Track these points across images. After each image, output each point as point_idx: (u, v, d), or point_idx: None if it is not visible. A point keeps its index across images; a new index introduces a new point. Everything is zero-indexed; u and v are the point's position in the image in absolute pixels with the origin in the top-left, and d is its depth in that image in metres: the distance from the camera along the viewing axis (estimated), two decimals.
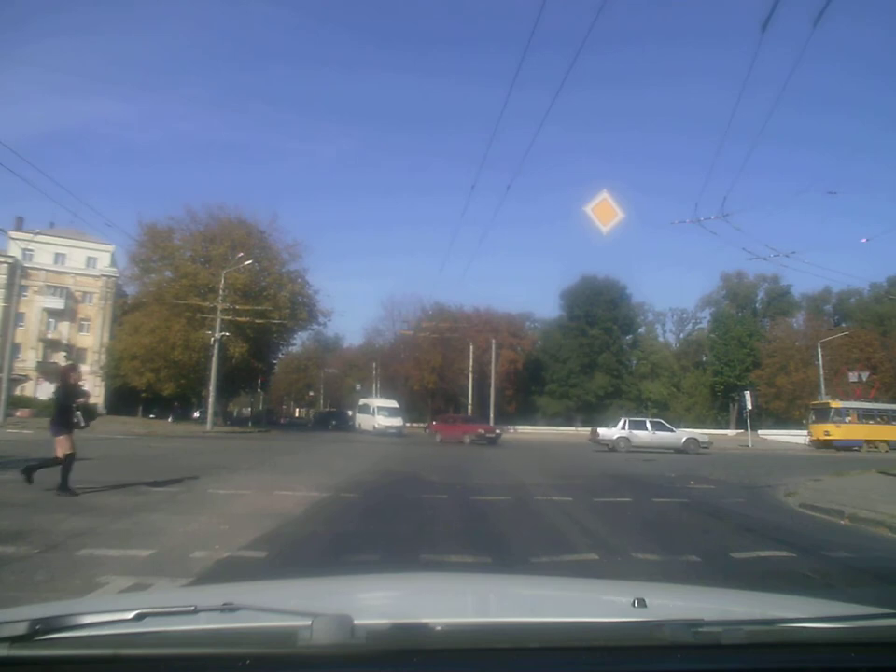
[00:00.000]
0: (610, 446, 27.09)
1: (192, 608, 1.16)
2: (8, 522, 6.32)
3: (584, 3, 10.23)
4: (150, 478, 9.95)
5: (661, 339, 79.58)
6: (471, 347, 51.26)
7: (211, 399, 36.70)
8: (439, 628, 1.14)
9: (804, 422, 44.05)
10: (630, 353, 70.80)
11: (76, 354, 42.71)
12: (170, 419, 45.72)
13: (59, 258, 55.96)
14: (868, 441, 35.35)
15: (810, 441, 38.39)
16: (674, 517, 8.66)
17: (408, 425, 45.91)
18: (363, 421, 44.34)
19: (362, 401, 48.57)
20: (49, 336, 55.11)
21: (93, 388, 54.07)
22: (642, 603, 1.38)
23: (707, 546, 6.48)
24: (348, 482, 11.14)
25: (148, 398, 47.64)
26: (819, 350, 44.26)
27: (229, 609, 1.18)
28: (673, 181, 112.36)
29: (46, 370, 53.40)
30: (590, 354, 63.74)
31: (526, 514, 8.40)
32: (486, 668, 1.12)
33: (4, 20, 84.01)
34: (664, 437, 28.04)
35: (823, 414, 37.51)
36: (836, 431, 35.88)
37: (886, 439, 35.68)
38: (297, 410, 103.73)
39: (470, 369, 51.16)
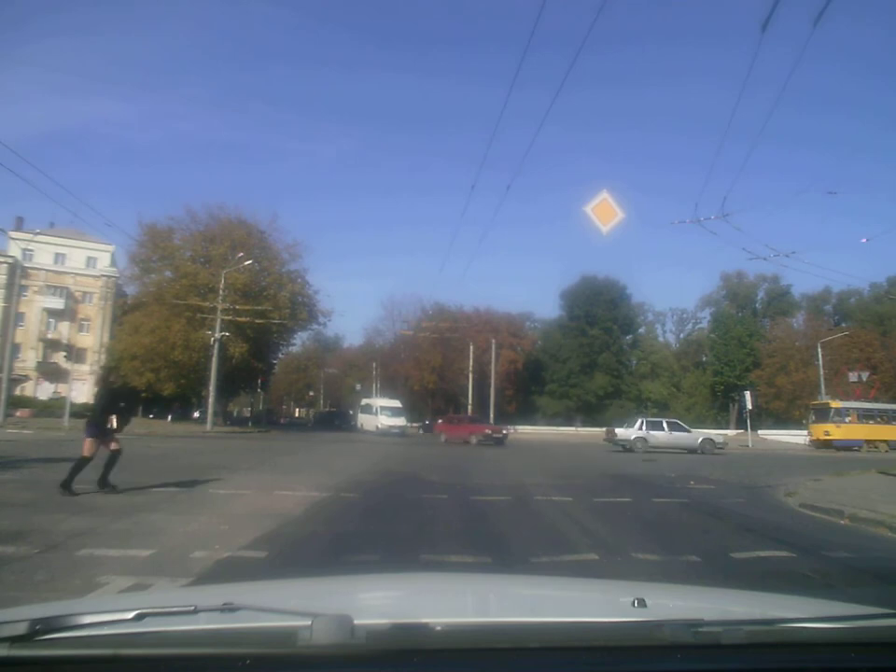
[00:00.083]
0: (628, 446, 27.07)
1: (192, 608, 1.16)
2: (8, 522, 6.31)
3: (584, 3, 10.24)
4: (150, 478, 9.95)
5: (661, 339, 79.63)
6: (471, 347, 51.26)
7: (211, 399, 36.70)
8: (439, 628, 1.14)
9: (804, 422, 44.06)
10: (630, 353, 70.80)
11: (76, 354, 42.60)
12: (169, 419, 45.71)
13: (59, 258, 56.01)
14: (868, 441, 35.36)
15: (810, 441, 38.40)
16: (674, 517, 8.66)
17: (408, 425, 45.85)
18: (365, 421, 44.16)
19: (364, 401, 48.39)
20: (49, 336, 55.13)
21: (93, 388, 54.19)
22: (642, 603, 1.38)
23: (707, 546, 6.48)
24: (348, 482, 11.14)
25: (148, 398, 47.60)
26: (819, 350, 44.26)
27: (229, 609, 1.18)
28: (673, 181, 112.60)
29: (46, 370, 53.50)
30: (590, 354, 63.73)
31: (526, 514, 8.40)
32: (486, 668, 1.12)
33: (4, 20, 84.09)
34: (680, 437, 28.11)
35: (823, 414, 37.51)
36: (836, 431, 35.89)
37: (886, 439, 35.69)
38: (297, 410, 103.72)
39: (470, 369, 51.16)
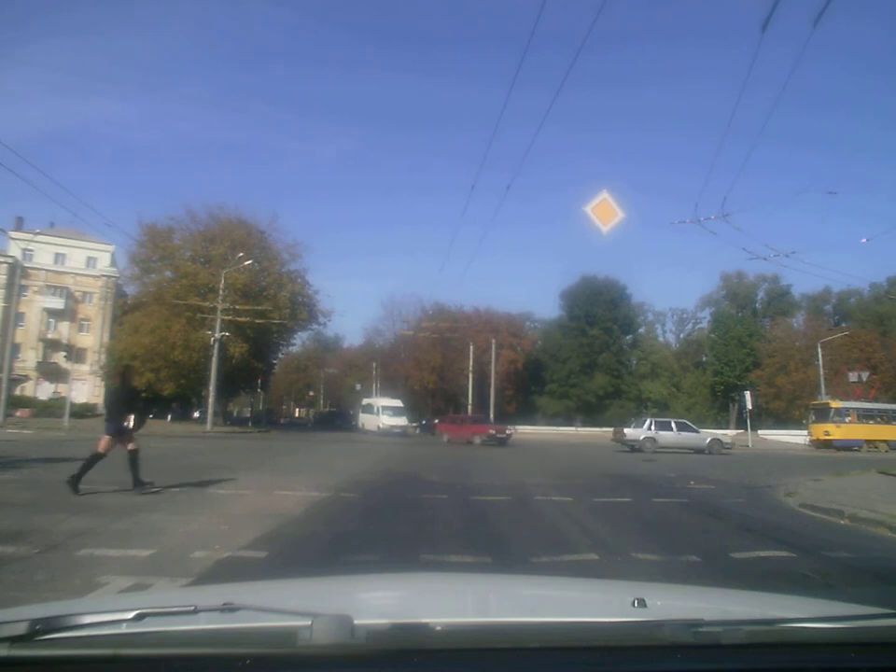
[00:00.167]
0: (637, 447, 27.10)
1: (192, 608, 1.16)
2: (8, 522, 6.31)
3: (584, 3, 10.24)
4: (150, 478, 9.94)
5: (661, 339, 79.64)
6: (471, 347, 51.24)
7: (211, 399, 36.71)
8: (439, 628, 1.14)
9: (804, 422, 44.07)
10: (630, 353, 70.79)
11: (76, 354, 42.60)
12: (168, 419, 45.67)
13: (59, 258, 55.99)
14: (868, 441, 35.36)
15: (810, 441, 38.41)
16: (674, 517, 8.66)
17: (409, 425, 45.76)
18: (366, 421, 43.91)
19: (365, 401, 48.13)
20: (49, 336, 55.10)
21: (93, 388, 54.20)
22: (642, 603, 1.38)
23: (707, 546, 6.48)
24: (348, 482, 11.14)
25: (148, 398, 47.63)
26: (819, 350, 44.27)
27: (229, 609, 1.18)
28: (673, 181, 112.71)
29: (46, 370, 53.49)
30: (590, 354, 63.72)
31: (526, 514, 8.40)
32: (486, 668, 1.12)
33: (4, 20, 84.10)
34: (688, 437, 28.22)
35: (823, 414, 37.52)
36: (836, 431, 35.89)
37: (886, 439, 35.69)
38: (297, 410, 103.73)
39: (470, 369, 51.15)
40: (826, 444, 35.63)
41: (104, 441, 8.68)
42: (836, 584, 5.06)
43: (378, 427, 40.67)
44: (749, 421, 38.27)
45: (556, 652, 1.15)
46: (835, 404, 37.60)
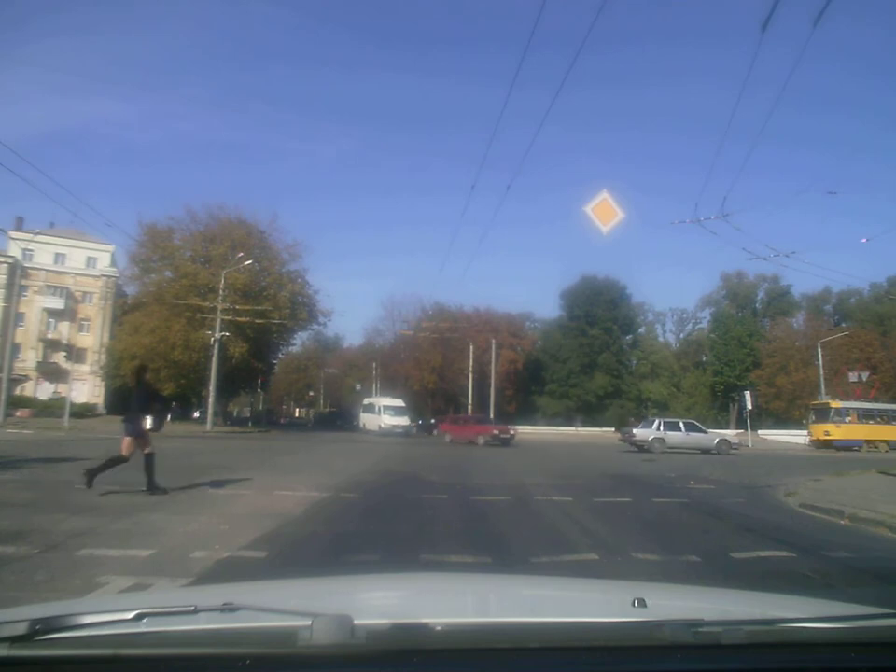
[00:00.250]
0: (646, 447, 27.10)
1: (192, 608, 1.16)
2: (8, 522, 6.31)
3: (584, 3, 10.24)
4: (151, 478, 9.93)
5: (661, 339, 79.67)
6: (471, 347, 51.25)
7: (211, 399, 36.72)
8: (439, 628, 1.14)
9: (804, 422, 44.07)
10: (630, 353, 70.80)
11: (76, 354, 42.60)
12: (168, 418, 45.63)
13: (59, 258, 56.00)
14: (868, 441, 35.37)
15: (810, 441, 38.41)
16: (674, 517, 8.66)
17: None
18: (368, 420, 43.62)
19: (367, 400, 47.84)
20: (49, 336, 55.11)
21: (93, 388, 54.22)
22: (642, 603, 1.38)
23: (707, 546, 6.48)
24: (348, 482, 11.14)
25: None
26: (819, 350, 44.27)
27: (229, 609, 1.18)
28: (673, 181, 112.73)
29: (46, 370, 53.49)
30: (590, 354, 63.73)
31: (526, 514, 8.40)
32: (486, 668, 1.12)
33: (4, 20, 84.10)
34: (697, 438, 28.30)
35: (823, 414, 37.52)
36: (836, 431, 35.89)
37: (886, 439, 35.69)
38: (297, 410, 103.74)
39: (470, 369, 51.16)
40: (826, 444, 35.63)
41: (126, 444, 8.60)
42: (836, 584, 5.06)
43: (380, 426, 40.47)
44: (748, 421, 38.27)
45: (556, 652, 1.15)
46: (835, 404, 37.61)
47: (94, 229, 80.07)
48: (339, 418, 57.63)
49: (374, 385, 61.35)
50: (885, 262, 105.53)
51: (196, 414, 50.06)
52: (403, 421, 41.52)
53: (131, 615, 1.10)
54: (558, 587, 2.26)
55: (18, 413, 38.18)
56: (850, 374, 45.03)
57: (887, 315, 62.57)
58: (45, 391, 52.17)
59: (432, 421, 46.60)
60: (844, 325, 61.18)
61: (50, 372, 52.90)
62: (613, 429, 53.09)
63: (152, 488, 8.52)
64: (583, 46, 13.59)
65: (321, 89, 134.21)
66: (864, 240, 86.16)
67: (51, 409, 40.53)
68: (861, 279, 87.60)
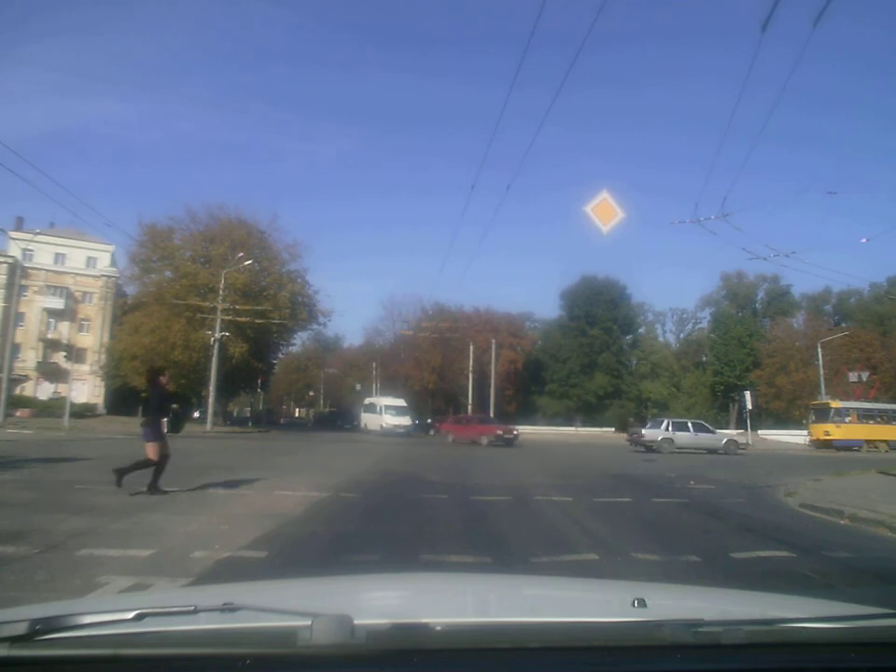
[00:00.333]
0: (655, 447, 27.15)
1: (192, 608, 1.16)
2: (8, 522, 6.31)
3: (584, 3, 10.24)
4: (150, 478, 9.94)
5: (661, 339, 79.66)
6: (471, 347, 51.24)
7: (211, 399, 36.72)
8: (439, 628, 1.14)
9: (804, 422, 44.08)
10: (630, 353, 70.79)
11: (76, 354, 42.60)
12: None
13: (59, 258, 55.97)
14: (868, 441, 35.38)
15: (810, 441, 38.41)
16: (674, 517, 8.66)
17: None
18: (369, 420, 43.27)
19: (368, 400, 47.50)
20: (49, 336, 55.09)
21: (93, 388, 54.22)
22: (642, 603, 1.38)
23: (707, 546, 6.48)
24: (348, 482, 11.14)
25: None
26: (819, 350, 44.27)
27: (229, 609, 1.18)
28: (673, 181, 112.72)
29: (46, 370, 53.49)
30: (590, 354, 63.72)
31: (526, 514, 8.40)
32: (486, 668, 1.12)
33: (4, 20, 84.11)
34: (705, 438, 28.46)
35: (823, 414, 37.52)
36: (836, 431, 35.90)
37: (886, 439, 35.70)
38: (297, 410, 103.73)
39: (470, 369, 51.15)
40: (826, 444, 35.64)
41: (150, 449, 8.62)
42: (836, 584, 5.06)
43: (381, 426, 40.22)
44: (748, 421, 38.28)
45: (556, 652, 1.15)
46: (835, 404, 37.61)
47: (94, 229, 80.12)
48: (340, 418, 57.58)
49: (374, 385, 61.34)
50: (885, 262, 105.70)
51: (196, 414, 50.05)
52: (405, 421, 41.25)
53: (131, 615, 1.10)
54: (558, 587, 2.26)
55: (18, 413, 38.17)
56: (850, 374, 45.03)
57: (887, 314, 62.56)
58: (45, 391, 52.16)
59: (429, 421, 46.42)
60: (844, 325, 61.18)
61: (50, 372, 52.89)
62: (613, 429, 53.22)
63: (153, 488, 8.54)
64: (583, 46, 13.61)
65: (321, 89, 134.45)
66: (864, 240, 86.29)
67: (51, 409, 40.53)
68: (861, 279, 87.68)
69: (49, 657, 1.07)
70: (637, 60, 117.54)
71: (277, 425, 61.37)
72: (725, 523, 8.28)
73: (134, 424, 37.00)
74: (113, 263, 57.23)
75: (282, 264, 43.95)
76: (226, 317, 36.70)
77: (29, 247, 45.49)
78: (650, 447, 27.30)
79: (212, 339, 36.08)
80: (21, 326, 51.42)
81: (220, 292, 36.82)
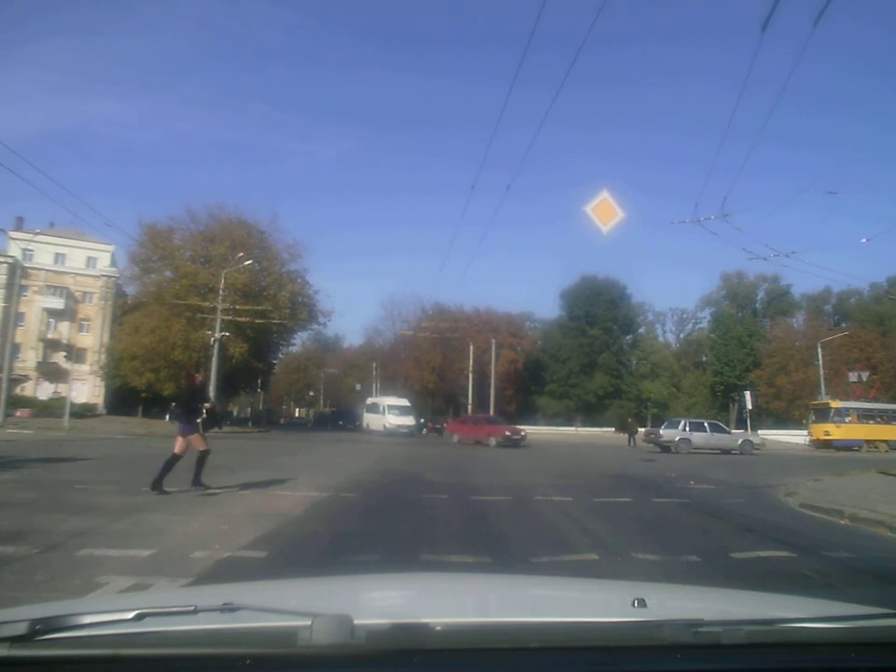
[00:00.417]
0: (673, 448, 27.23)
1: (192, 608, 1.16)
2: (8, 522, 6.31)
3: (584, 3, 10.25)
4: (150, 477, 9.94)
5: (661, 339, 79.64)
6: (471, 347, 51.24)
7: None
8: (439, 628, 1.14)
9: (804, 422, 44.07)
10: (630, 353, 70.79)
11: (76, 354, 42.58)
12: (167, 418, 45.55)
13: (59, 258, 55.95)
14: (868, 441, 35.38)
15: (810, 441, 38.41)
16: (674, 517, 8.66)
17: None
18: (371, 420, 42.86)
19: (370, 400, 47.20)
20: (49, 336, 55.07)
21: (93, 388, 54.21)
22: (642, 603, 1.38)
23: (707, 546, 6.48)
24: (348, 482, 11.14)
25: (148, 398, 47.61)
26: (819, 350, 44.28)
27: (229, 609, 1.17)
28: (673, 181, 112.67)
29: (46, 370, 53.48)
30: (590, 354, 63.74)
31: (526, 514, 8.40)
32: (486, 668, 1.12)
33: (4, 20, 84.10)
34: (721, 438, 28.67)
35: (823, 414, 37.52)
36: (836, 431, 35.90)
37: (886, 439, 35.70)
38: (297, 410, 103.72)
39: (470, 369, 51.15)
40: (826, 444, 35.64)
41: (179, 442, 8.90)
42: (836, 584, 5.06)
43: (384, 426, 39.94)
44: (748, 421, 38.34)
45: (556, 652, 1.15)
46: (835, 404, 37.61)
47: (94, 229, 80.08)
48: (341, 418, 57.48)
49: (374, 385, 61.37)
50: (885, 262, 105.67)
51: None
52: (409, 421, 40.90)
53: (131, 615, 1.10)
54: (558, 587, 2.26)
55: (18, 413, 38.13)
56: (850, 374, 45.03)
57: (887, 314, 62.56)
58: (45, 391, 52.14)
59: (421, 420, 46.18)
60: (844, 325, 61.18)
61: (50, 372, 52.88)
62: (613, 429, 53.22)
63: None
64: (583, 46, 13.61)
65: (321, 89, 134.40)
66: (864, 240, 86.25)
67: (51, 409, 40.50)
68: (861, 279, 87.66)
69: (49, 657, 1.07)
70: (637, 60, 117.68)
71: (277, 425, 61.33)
72: (725, 523, 8.28)
73: (134, 424, 37.02)
74: (113, 263, 57.21)
75: (282, 264, 43.97)
76: (226, 317, 36.70)
77: (29, 247, 45.48)
78: (667, 447, 27.36)
79: (212, 339, 36.07)
80: (21, 326, 51.40)
81: (220, 292, 36.82)
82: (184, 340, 38.54)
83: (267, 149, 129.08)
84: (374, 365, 65.36)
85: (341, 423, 54.08)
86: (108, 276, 57.00)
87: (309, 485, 10.18)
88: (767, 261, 21.13)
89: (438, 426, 45.50)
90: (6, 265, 51.11)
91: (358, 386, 65.63)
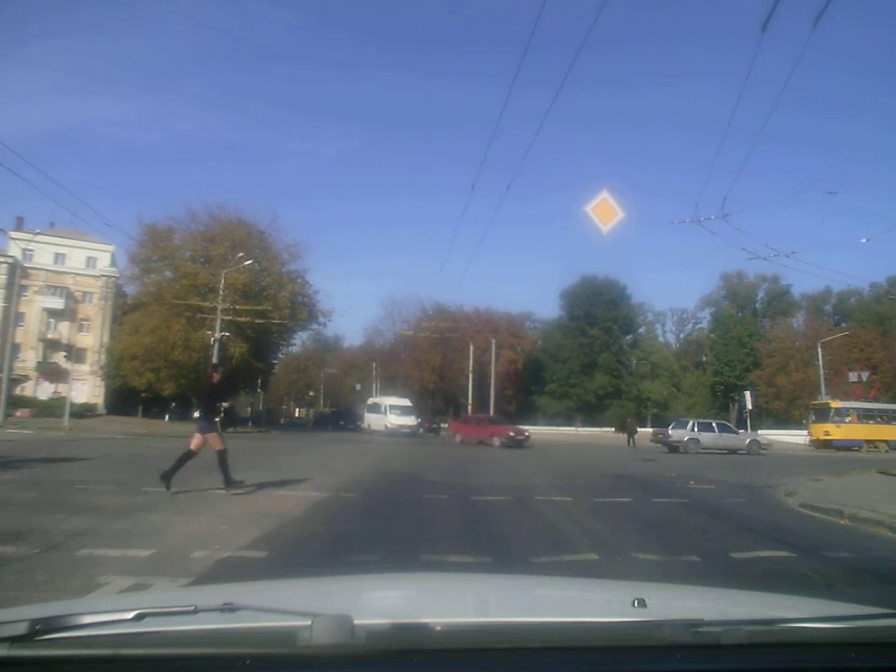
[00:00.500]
0: (681, 448, 27.30)
1: (192, 608, 1.16)
2: (8, 522, 6.31)
3: (584, 3, 10.24)
4: (150, 478, 9.94)
5: (661, 339, 79.69)
6: (471, 347, 51.25)
7: None
8: (439, 628, 1.14)
9: (804, 422, 44.07)
10: (630, 353, 70.83)
11: (76, 354, 42.58)
12: (166, 418, 45.53)
13: (59, 258, 55.95)
14: (868, 441, 35.38)
15: (810, 441, 38.41)
16: (674, 517, 8.66)
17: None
18: (373, 420, 42.61)
19: (371, 400, 47.01)
20: (49, 336, 55.07)
21: (93, 388, 54.21)
22: (642, 603, 1.38)
23: (707, 546, 6.48)
24: (348, 482, 11.13)
25: (148, 398, 47.63)
26: (819, 350, 44.28)
27: (229, 609, 1.17)
28: (673, 181, 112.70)
29: (46, 370, 53.49)
30: (590, 354, 63.76)
31: (526, 514, 8.40)
32: (486, 668, 1.12)
33: (4, 20, 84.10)
34: (729, 438, 28.86)
35: (823, 414, 37.52)
36: (836, 431, 35.90)
37: (886, 439, 35.70)
38: (297, 410, 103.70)
39: (470, 369, 51.16)
40: (826, 444, 35.64)
41: (196, 439, 8.90)
42: (836, 584, 5.06)
43: (385, 426, 39.74)
44: (748, 421, 38.34)
45: (556, 652, 1.15)
46: (835, 404, 37.61)
47: (94, 229, 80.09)
48: (341, 418, 57.46)
49: (374, 385, 61.38)
50: (885, 262, 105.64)
51: (196, 414, 49.88)
52: (410, 421, 40.66)
53: (131, 615, 1.10)
54: (558, 587, 2.26)
55: (18, 413, 38.13)
56: (850, 374, 45.04)
57: (887, 314, 62.57)
58: (45, 391, 52.14)
59: (418, 420, 46.10)
60: (844, 325, 61.20)
61: (50, 372, 52.88)
62: (613, 429, 53.21)
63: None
64: (583, 46, 13.61)
65: (321, 89, 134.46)
66: (864, 240, 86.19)
67: (51, 409, 40.50)
68: (861, 279, 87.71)
69: (49, 657, 1.07)
70: (637, 60, 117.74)
71: (277, 425, 61.29)
72: (725, 523, 8.28)
73: (134, 424, 37.00)
74: (113, 263, 57.21)
75: (282, 264, 43.98)
76: (226, 317, 36.70)
77: (29, 247, 45.49)
78: (675, 448, 27.37)
79: (212, 339, 36.08)
80: (21, 326, 51.40)
81: (220, 292, 36.82)
82: (184, 340, 38.54)
83: (267, 149, 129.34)
84: (374, 365, 65.38)
85: (341, 423, 54.04)
86: (108, 276, 57.00)
87: (309, 485, 10.18)
88: (767, 261, 21.15)
89: (434, 425, 45.40)
90: (6, 265, 51.12)
91: (358, 386, 65.65)
